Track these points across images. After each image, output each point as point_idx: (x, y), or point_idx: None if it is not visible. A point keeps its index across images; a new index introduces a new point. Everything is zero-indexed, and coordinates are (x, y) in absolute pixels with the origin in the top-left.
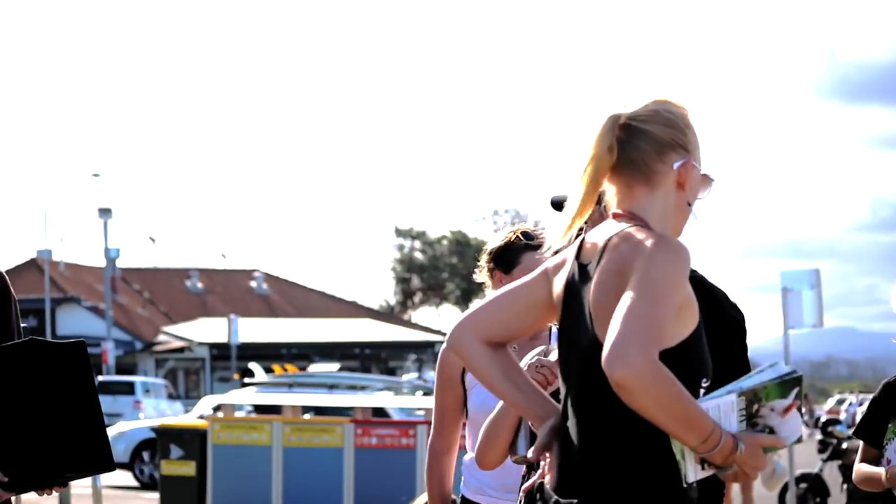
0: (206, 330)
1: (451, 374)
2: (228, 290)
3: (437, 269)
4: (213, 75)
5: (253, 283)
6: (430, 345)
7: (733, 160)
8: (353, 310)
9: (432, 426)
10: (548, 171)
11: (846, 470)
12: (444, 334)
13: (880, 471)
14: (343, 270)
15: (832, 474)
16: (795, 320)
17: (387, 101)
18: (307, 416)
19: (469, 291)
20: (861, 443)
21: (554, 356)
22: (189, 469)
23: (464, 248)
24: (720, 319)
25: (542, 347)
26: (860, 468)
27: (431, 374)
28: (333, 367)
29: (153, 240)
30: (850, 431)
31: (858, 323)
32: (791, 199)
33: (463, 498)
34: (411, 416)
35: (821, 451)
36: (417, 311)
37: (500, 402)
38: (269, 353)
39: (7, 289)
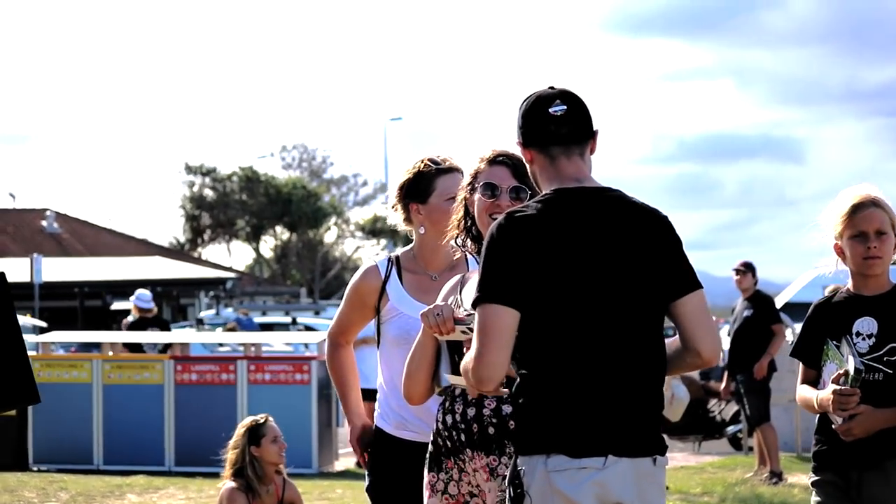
0: (4, 270)
1: (365, 299)
2: (19, 230)
3: (227, 206)
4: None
5: (44, 223)
6: (221, 281)
7: (518, 96)
8: (144, 248)
9: (334, 326)
10: (334, 105)
11: None
12: (234, 271)
13: (812, 396)
14: (133, 208)
15: None
16: None
17: (174, 35)
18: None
19: (259, 228)
20: (800, 365)
21: (468, 290)
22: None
23: (254, 184)
24: (652, 228)
25: (457, 278)
26: (801, 391)
27: (228, 311)
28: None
29: None
30: None
31: None
32: (602, 135)
33: (381, 432)
34: (213, 351)
35: None
36: (207, 248)
37: (417, 337)
38: (62, 292)
39: None
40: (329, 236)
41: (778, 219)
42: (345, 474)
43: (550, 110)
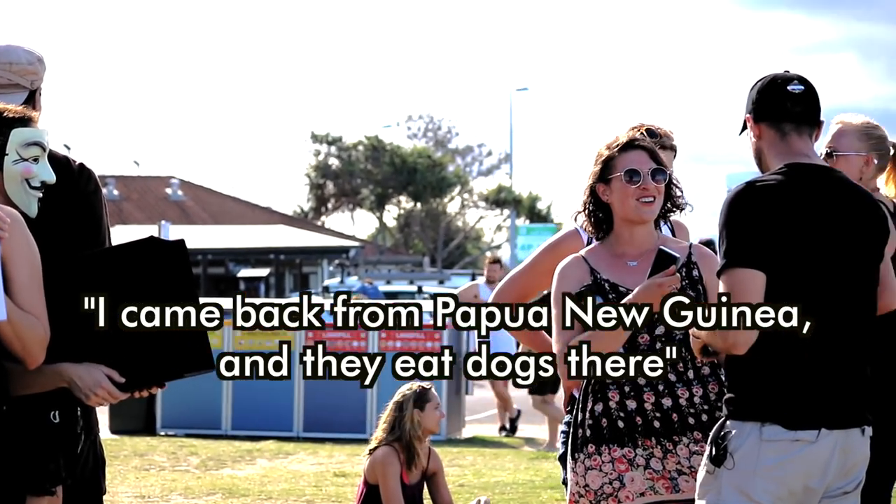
0: (127, 238)
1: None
2: (144, 198)
3: (351, 175)
4: None
5: (168, 190)
6: (344, 250)
7: (671, 73)
8: (268, 216)
9: (518, 288)
10: (460, 75)
11: None
12: (357, 239)
13: None
14: (258, 176)
15: None
16: None
17: (302, 6)
18: None
19: (383, 197)
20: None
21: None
22: None
23: (379, 153)
24: (870, 215)
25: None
26: None
27: (352, 279)
28: (264, 272)
29: (68, 147)
30: None
31: None
32: (729, 109)
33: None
34: None
35: None
36: (331, 216)
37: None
38: None
39: (98, 186)
40: (452, 206)
41: None
42: (472, 441)
43: (789, 88)
